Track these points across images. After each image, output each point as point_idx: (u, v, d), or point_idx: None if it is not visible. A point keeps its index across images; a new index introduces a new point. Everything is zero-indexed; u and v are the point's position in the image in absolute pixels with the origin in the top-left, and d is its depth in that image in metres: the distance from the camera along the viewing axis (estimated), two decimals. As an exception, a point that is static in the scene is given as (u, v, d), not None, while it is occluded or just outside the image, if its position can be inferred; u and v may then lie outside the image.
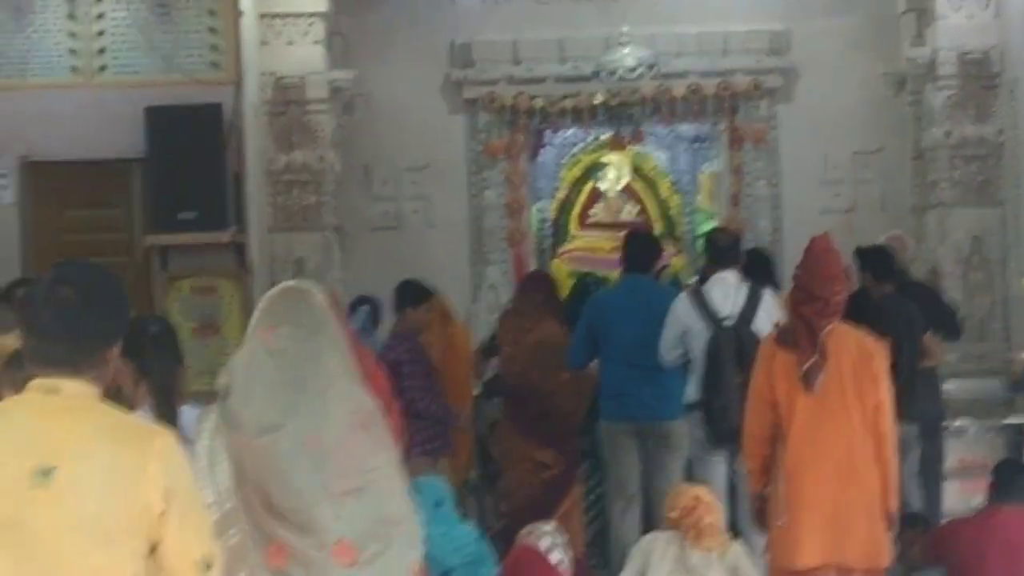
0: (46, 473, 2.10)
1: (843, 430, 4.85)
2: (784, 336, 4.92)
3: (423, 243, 9.19)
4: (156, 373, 3.29)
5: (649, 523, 6.51)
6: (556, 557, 5.07)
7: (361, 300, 7.46)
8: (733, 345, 6.03)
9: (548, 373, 6.69)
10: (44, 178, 8.61)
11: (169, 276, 8.48)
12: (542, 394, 6.75)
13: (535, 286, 7.41)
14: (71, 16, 8.64)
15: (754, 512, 5.25)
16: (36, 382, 2.14)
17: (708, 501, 4.91)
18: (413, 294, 6.98)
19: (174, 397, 3.40)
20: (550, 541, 5.11)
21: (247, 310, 8.68)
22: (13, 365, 3.02)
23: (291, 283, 3.14)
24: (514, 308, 7.32)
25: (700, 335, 6.10)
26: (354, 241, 8.83)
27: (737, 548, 4.82)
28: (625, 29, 8.70)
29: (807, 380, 4.76)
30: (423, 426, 6.46)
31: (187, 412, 3.28)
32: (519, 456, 6.77)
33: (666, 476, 6.56)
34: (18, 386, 2.35)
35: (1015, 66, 8.30)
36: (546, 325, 6.79)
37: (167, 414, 3.20)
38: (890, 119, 9.18)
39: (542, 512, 5.81)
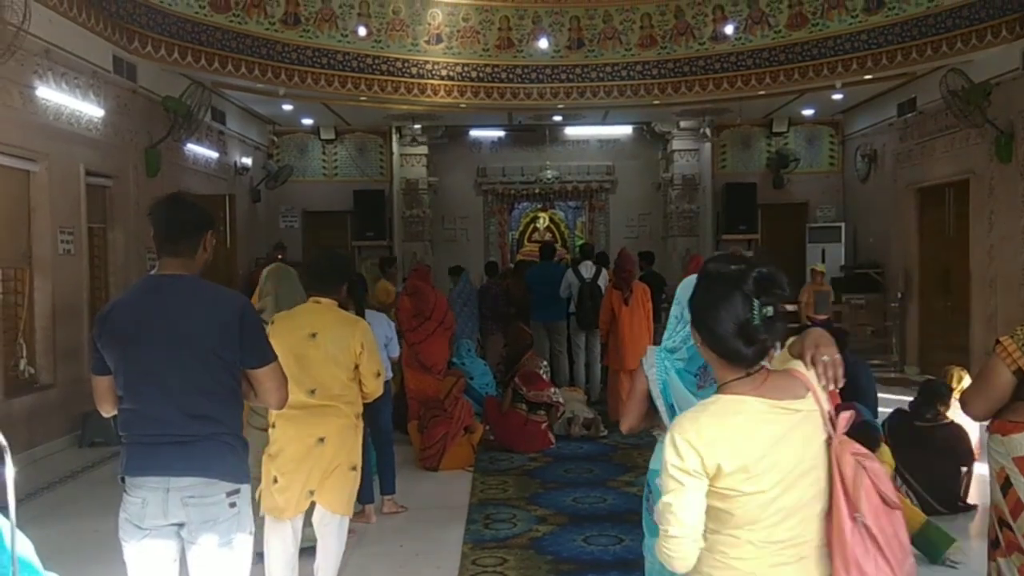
0: (314, 335, 3.51)
1: (639, 318, 7.71)
2: (616, 285, 7.90)
3: (465, 248, 14.05)
4: (358, 297, 4.96)
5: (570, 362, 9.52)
6: (543, 372, 7.77)
7: (456, 268, 10.23)
8: (589, 290, 9.12)
9: (523, 298, 9.63)
10: (312, 218, 13.85)
11: (362, 258, 13.10)
12: (521, 306, 9.60)
13: (518, 267, 11.08)
14: (323, 152, 13.80)
15: (604, 351, 8.29)
16: (312, 298, 3.64)
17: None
18: (490, 268, 10.72)
19: (362, 307, 5.03)
20: (541, 364, 8.05)
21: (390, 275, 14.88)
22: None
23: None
24: (509, 273, 10.91)
25: (576, 285, 9.22)
26: (437, 246, 13.85)
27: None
28: (548, 163, 14.12)
29: (625, 301, 7.73)
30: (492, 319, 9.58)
31: (368, 313, 4.88)
32: (517, 332, 8.99)
33: (560, 345, 9.54)
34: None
35: (705, 180, 13.69)
36: (518, 280, 10.07)
37: (362, 313, 4.70)
38: (654, 200, 14.43)
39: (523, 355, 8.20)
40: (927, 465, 5.29)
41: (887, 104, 11.77)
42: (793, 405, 1.82)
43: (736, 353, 1.80)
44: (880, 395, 7.83)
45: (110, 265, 8.69)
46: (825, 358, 1.87)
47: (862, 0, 9.84)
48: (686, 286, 2.51)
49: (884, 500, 1.79)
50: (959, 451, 5.51)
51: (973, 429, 6.09)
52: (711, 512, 1.78)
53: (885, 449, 5.32)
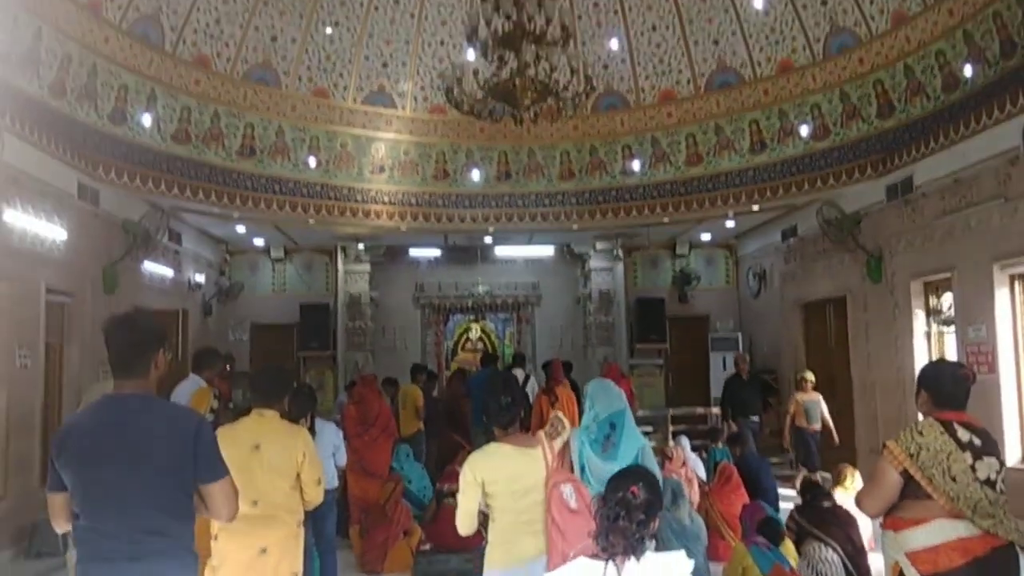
0: (257, 447, 3.42)
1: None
2: (544, 391, 8.23)
3: (403, 357, 13.40)
4: (304, 409, 4.77)
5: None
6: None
7: (390, 380, 9.72)
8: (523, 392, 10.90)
9: (457, 403, 9.69)
10: (260, 330, 13.60)
11: (307, 367, 13.29)
12: (457, 415, 9.52)
13: (456, 376, 10.73)
14: (273, 269, 13.69)
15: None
16: (255, 410, 3.55)
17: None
18: (417, 371, 10.11)
19: (314, 419, 4.95)
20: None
21: (335, 383, 13.07)
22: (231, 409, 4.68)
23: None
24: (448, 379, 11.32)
25: None
26: (377, 355, 13.52)
27: None
28: (479, 280, 14.17)
29: (551, 404, 7.72)
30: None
31: (318, 423, 4.99)
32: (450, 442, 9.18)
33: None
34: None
35: (619, 295, 13.79)
36: (455, 384, 10.24)
37: (312, 426, 4.82)
38: (575, 313, 14.49)
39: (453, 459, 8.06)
40: (848, 537, 5.32)
41: (773, 230, 12.34)
42: (528, 451, 3.33)
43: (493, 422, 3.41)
44: (779, 490, 8.03)
45: (65, 379, 8.29)
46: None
47: (748, 143, 10.45)
48: (594, 385, 3.98)
49: (567, 507, 3.15)
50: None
51: (865, 521, 6.20)
52: (488, 503, 3.25)
53: (788, 544, 5.35)
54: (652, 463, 3.68)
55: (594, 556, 2.17)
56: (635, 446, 3.66)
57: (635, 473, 2.31)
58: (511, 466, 3.22)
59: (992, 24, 7.28)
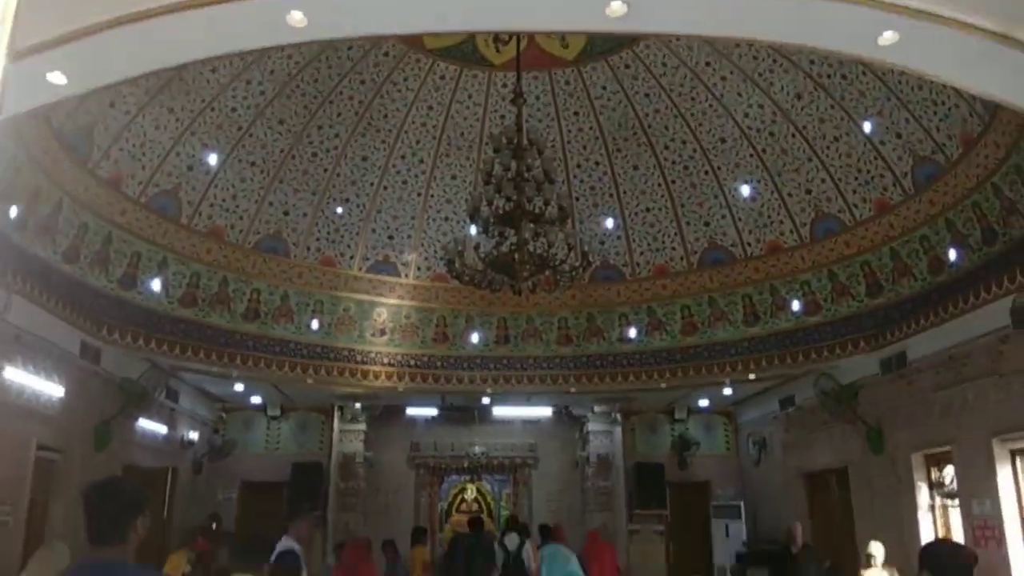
0: None
1: None
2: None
3: (399, 518, 13.30)
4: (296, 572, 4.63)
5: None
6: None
7: (386, 542, 9.57)
8: (513, 561, 8.57)
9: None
10: (250, 488, 13.25)
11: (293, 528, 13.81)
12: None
13: (454, 542, 9.39)
14: (268, 427, 13.56)
15: None
16: (234, 573, 3.77)
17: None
18: (416, 534, 10.06)
19: None
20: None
21: (323, 544, 12.34)
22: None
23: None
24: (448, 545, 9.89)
25: (500, 557, 8.59)
26: (369, 517, 13.04)
27: None
28: (476, 440, 14.05)
29: None
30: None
31: None
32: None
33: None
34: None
35: (617, 459, 13.41)
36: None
37: None
38: (573, 476, 14.16)
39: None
40: None
41: (771, 399, 12.29)
42: None
43: None
44: None
45: (47, 535, 7.94)
46: None
47: (741, 315, 10.63)
48: (549, 548, 6.56)
49: None
50: None
51: None
52: None
53: None
54: None
55: None
56: None
57: None
58: None
59: (972, 213, 7.61)
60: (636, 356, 11.32)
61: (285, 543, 5.22)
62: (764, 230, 10.10)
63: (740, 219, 10.26)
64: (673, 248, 10.92)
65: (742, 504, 13.28)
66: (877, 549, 7.38)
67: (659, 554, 13.45)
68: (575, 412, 14.05)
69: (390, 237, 10.96)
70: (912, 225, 8.44)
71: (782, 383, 11.47)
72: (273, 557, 4.93)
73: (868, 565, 7.41)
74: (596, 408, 13.68)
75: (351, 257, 10.88)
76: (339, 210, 10.46)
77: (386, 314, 11.26)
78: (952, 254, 7.98)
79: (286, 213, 10.21)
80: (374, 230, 10.88)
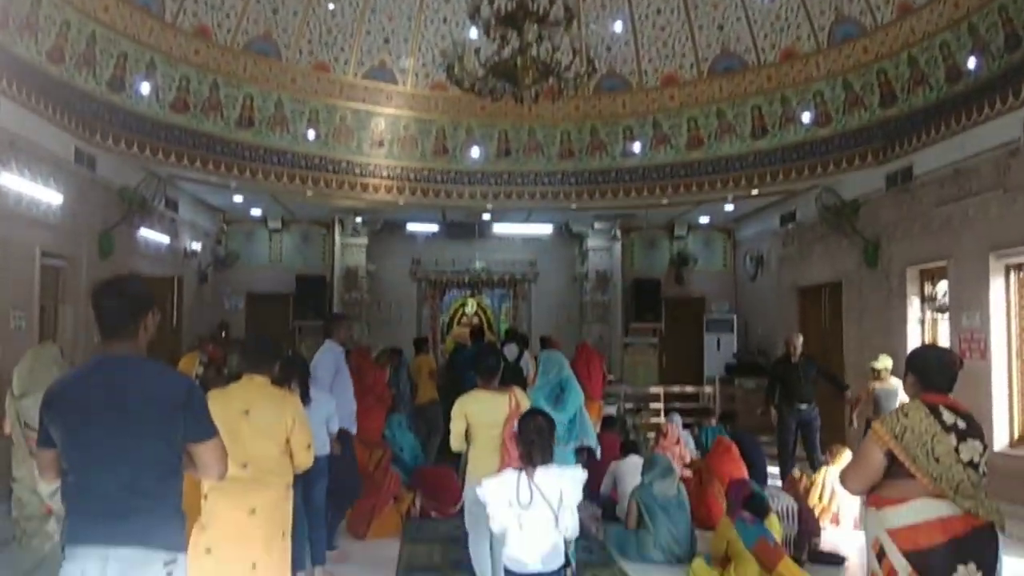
0: (247, 412, 3.50)
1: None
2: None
3: (398, 330, 13.54)
4: (300, 376, 4.89)
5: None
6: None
7: (382, 351, 9.17)
8: (512, 372, 7.40)
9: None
10: (256, 300, 13.61)
11: (301, 337, 13.18)
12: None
13: (457, 350, 10.49)
14: (270, 240, 13.66)
15: None
16: (246, 375, 3.65)
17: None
18: (419, 344, 10.38)
19: (306, 384, 4.92)
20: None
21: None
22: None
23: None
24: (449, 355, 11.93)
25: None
26: (373, 328, 13.48)
27: None
28: (477, 255, 14.23)
29: None
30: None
31: (314, 392, 4.97)
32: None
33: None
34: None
35: (615, 275, 13.79)
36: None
37: (304, 391, 4.81)
38: (572, 291, 14.59)
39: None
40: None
41: (771, 215, 12.37)
42: (499, 397, 4.61)
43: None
44: (768, 469, 8.12)
45: (59, 341, 8.25)
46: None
47: (749, 127, 10.42)
48: (544, 356, 6.22)
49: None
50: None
51: (850, 500, 6.30)
52: (470, 432, 4.57)
53: (773, 519, 5.43)
54: (585, 415, 5.87)
55: (518, 468, 3.43)
56: (577, 402, 5.80)
57: (538, 413, 3.69)
58: (485, 406, 4.57)
59: (998, 17, 7.29)
60: (639, 171, 11.26)
61: (328, 346, 5.72)
62: (780, 35, 9.67)
63: (756, 22, 9.80)
64: (683, 55, 10.52)
65: (735, 318, 13.70)
66: (886, 362, 7.73)
67: (652, 364, 14.02)
68: (575, 229, 14.17)
69: (386, 40, 10.52)
70: (934, 30, 8.08)
71: (784, 199, 11.48)
72: (316, 358, 5.58)
73: (877, 379, 7.77)
74: (596, 225, 13.82)
75: (345, 62, 10.50)
76: (331, 6, 9.94)
77: (384, 124, 11.06)
78: (971, 61, 7.71)
79: (275, 11, 9.73)
80: (368, 32, 10.41)
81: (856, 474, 2.95)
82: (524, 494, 3.32)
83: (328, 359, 5.66)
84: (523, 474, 3.38)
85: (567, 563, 3.53)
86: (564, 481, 3.37)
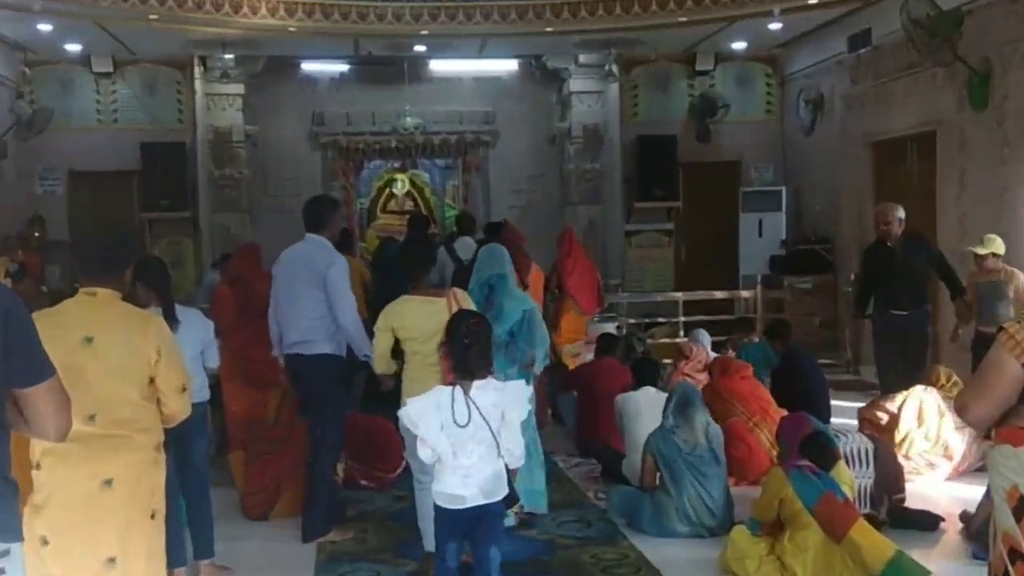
0: (89, 340, 3.42)
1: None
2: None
3: (296, 221, 12.85)
4: (159, 288, 4.94)
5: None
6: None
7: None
8: (466, 276, 7.32)
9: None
10: (82, 181, 13.46)
11: (153, 236, 13.39)
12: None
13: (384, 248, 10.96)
14: (97, 90, 13.46)
15: None
16: (83, 289, 3.58)
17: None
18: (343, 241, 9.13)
19: (170, 300, 4.98)
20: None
21: (198, 258, 13.42)
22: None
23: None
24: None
25: (450, 268, 9.22)
26: (259, 219, 13.55)
27: None
28: (407, 108, 13.76)
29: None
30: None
31: (179, 310, 5.02)
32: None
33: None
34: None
35: (612, 131, 13.91)
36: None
37: (168, 310, 4.81)
38: (548, 157, 14.53)
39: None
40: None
41: (835, 37, 12.26)
42: (433, 302, 5.08)
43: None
44: (833, 402, 8.30)
45: None
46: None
47: (807, -97, 10.21)
48: (483, 251, 6.41)
49: None
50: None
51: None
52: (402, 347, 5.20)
53: (842, 468, 5.57)
54: (540, 327, 5.94)
55: (451, 383, 3.91)
56: (519, 308, 5.80)
57: (469, 313, 4.25)
58: (417, 315, 5.02)
59: None
60: (645, -26, 11.07)
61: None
62: None
63: None
64: None
65: (783, 190, 13.81)
66: (993, 245, 7.77)
67: (665, 261, 14.29)
68: (551, 65, 14.08)
69: None
70: None
71: (854, 10, 11.38)
72: None
73: (981, 269, 7.81)
74: (582, 58, 13.72)
75: None
76: None
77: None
78: None
79: None
80: None
81: (982, 398, 2.90)
82: (461, 413, 3.78)
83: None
84: (458, 389, 3.84)
85: (512, 497, 4.02)
86: (506, 396, 3.89)
